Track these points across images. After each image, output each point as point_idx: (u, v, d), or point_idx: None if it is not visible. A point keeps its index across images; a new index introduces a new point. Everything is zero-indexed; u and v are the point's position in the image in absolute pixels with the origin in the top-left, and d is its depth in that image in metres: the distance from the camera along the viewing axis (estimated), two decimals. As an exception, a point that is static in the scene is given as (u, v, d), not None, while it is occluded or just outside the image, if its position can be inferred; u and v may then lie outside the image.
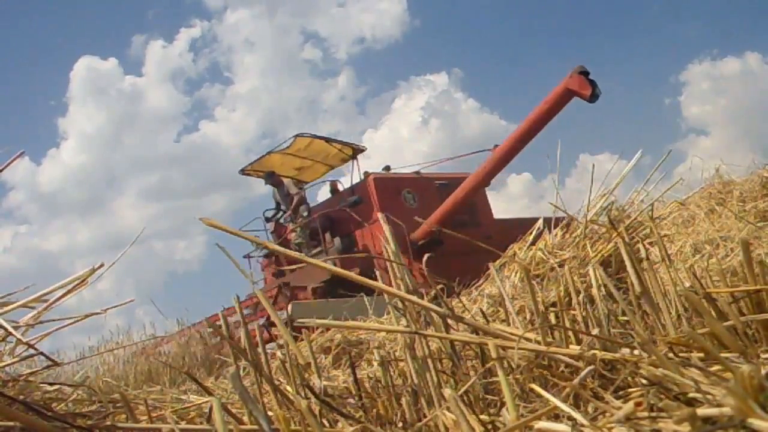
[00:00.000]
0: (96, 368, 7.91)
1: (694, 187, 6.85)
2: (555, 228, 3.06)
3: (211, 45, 35.01)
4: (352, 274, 1.35)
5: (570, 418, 0.97)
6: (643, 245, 2.16)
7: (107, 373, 7.32)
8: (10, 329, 1.41)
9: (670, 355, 1.18)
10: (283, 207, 10.45)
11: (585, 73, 7.45)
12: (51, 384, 1.77)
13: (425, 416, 1.36)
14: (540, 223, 3.15)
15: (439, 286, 1.51)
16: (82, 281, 1.54)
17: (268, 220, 10.46)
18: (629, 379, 1.15)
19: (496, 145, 9.02)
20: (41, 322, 1.58)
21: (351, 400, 1.71)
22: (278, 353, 1.71)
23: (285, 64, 33.24)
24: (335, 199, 10.26)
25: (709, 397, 0.91)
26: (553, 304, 2.05)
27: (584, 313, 1.61)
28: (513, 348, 1.26)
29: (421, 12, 35.32)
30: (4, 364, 1.51)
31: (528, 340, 1.31)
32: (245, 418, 1.29)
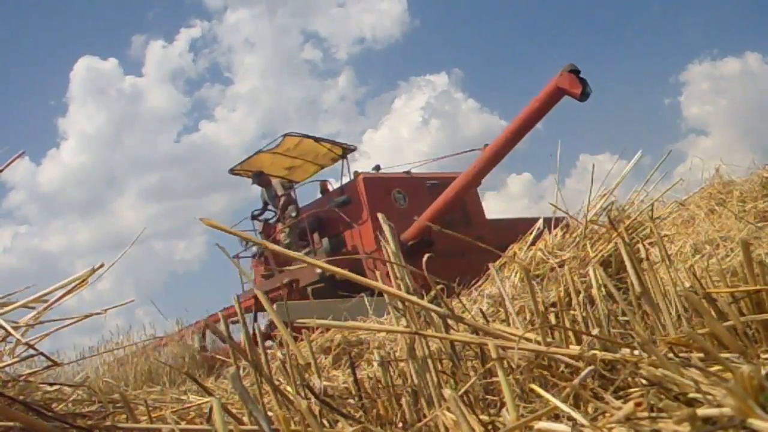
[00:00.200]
0: (96, 368, 7.91)
1: (694, 187, 6.86)
2: (555, 228, 3.06)
3: (211, 45, 35.04)
4: (354, 275, 1.35)
5: (570, 418, 0.97)
6: (643, 245, 2.16)
7: (107, 374, 7.32)
8: (10, 329, 1.41)
9: (670, 355, 1.18)
10: (270, 207, 10.40)
11: (575, 72, 7.32)
12: (51, 384, 1.77)
13: (425, 416, 1.36)
14: (540, 223, 3.15)
15: (439, 287, 1.51)
16: (82, 281, 1.54)
17: (254, 218, 10.40)
18: (629, 379, 1.15)
19: (486, 144, 8.88)
20: (41, 323, 1.58)
21: (351, 401, 1.71)
22: (278, 353, 1.71)
23: (285, 64, 33.26)
24: (325, 199, 10.17)
25: (709, 397, 0.91)
26: (553, 305, 2.05)
27: (584, 314, 1.61)
28: (513, 348, 1.26)
29: (421, 12, 35.35)
30: (4, 364, 1.51)
31: (528, 340, 1.31)
32: (245, 419, 1.29)
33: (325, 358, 3.86)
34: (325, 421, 1.38)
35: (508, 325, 1.67)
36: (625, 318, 1.75)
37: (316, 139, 10.15)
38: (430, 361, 1.42)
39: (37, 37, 32.89)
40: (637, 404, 0.96)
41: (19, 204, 31.20)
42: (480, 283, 3.39)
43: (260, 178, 10.25)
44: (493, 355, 1.20)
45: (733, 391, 0.76)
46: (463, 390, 1.34)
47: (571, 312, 1.77)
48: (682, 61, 36.93)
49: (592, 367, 1.20)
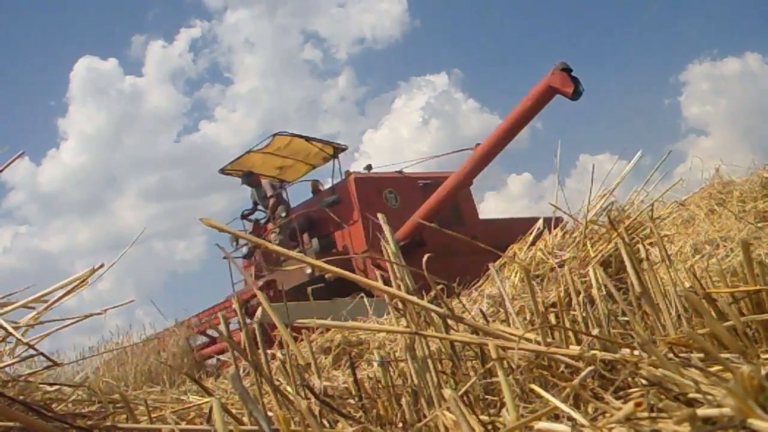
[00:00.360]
0: (96, 369, 7.91)
1: (694, 187, 6.86)
2: (554, 228, 3.06)
3: (211, 45, 35.05)
4: (354, 276, 1.35)
5: (570, 418, 0.97)
6: (643, 245, 2.16)
7: (107, 374, 7.32)
8: (10, 330, 1.41)
9: (670, 355, 1.18)
10: (260, 207, 10.33)
11: (567, 70, 7.26)
12: (51, 384, 1.77)
13: (425, 417, 1.36)
14: (540, 223, 3.15)
15: (439, 287, 1.51)
16: (82, 282, 1.54)
17: (243, 218, 10.35)
18: (629, 379, 1.15)
19: (478, 144, 8.81)
20: (41, 323, 1.58)
21: (351, 401, 1.71)
22: (278, 354, 1.71)
23: (285, 64, 33.26)
24: (316, 199, 10.08)
25: (709, 397, 0.91)
26: (553, 305, 2.05)
27: (584, 314, 1.61)
28: (513, 348, 1.26)
29: (421, 12, 35.35)
30: (4, 364, 1.51)
31: (528, 340, 1.31)
32: (245, 419, 1.29)
33: (325, 359, 3.86)
34: (325, 422, 1.38)
35: (508, 325, 1.67)
36: (625, 318, 1.75)
37: (307, 139, 10.06)
38: (430, 361, 1.42)
39: (37, 37, 32.92)
40: (637, 404, 0.96)
41: (19, 204, 31.23)
42: (480, 283, 3.39)
43: (249, 179, 10.18)
44: (493, 355, 1.20)
45: (733, 391, 0.76)
46: (463, 390, 1.34)
47: (571, 312, 1.77)
48: (682, 61, 36.97)
49: (592, 368, 1.20)
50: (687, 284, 2.03)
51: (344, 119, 34.64)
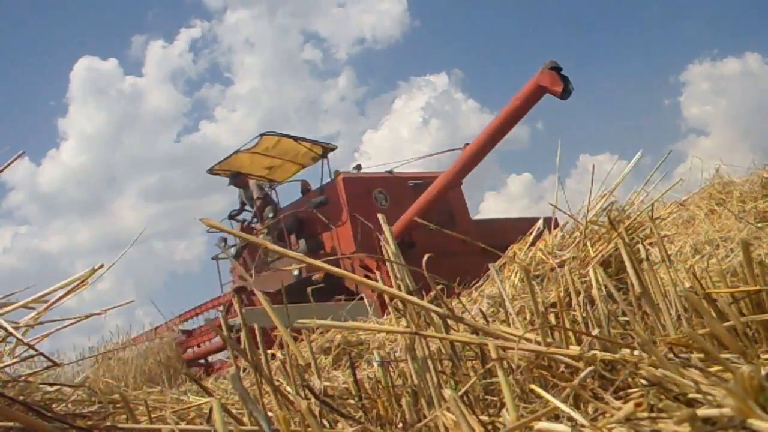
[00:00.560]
0: (96, 369, 7.92)
1: (694, 187, 6.86)
2: (554, 228, 3.06)
3: (211, 45, 35.00)
4: (354, 276, 1.35)
5: (570, 418, 0.97)
6: (643, 246, 2.16)
7: (107, 374, 7.33)
8: (11, 330, 1.41)
9: (670, 355, 1.18)
10: (248, 207, 10.27)
11: (557, 69, 7.07)
12: (51, 385, 1.77)
13: (425, 417, 1.36)
14: (540, 223, 3.16)
15: (439, 287, 1.51)
16: (82, 282, 1.54)
17: (231, 218, 10.30)
18: (629, 379, 1.15)
19: (467, 144, 8.61)
20: (41, 323, 1.58)
21: (351, 401, 1.71)
22: (278, 354, 1.71)
23: (285, 64, 33.22)
24: (305, 199, 9.94)
25: (710, 397, 0.91)
26: (553, 305, 2.05)
27: (584, 314, 1.61)
28: (513, 349, 1.26)
29: (421, 12, 35.29)
30: (4, 364, 1.51)
31: (528, 340, 1.31)
32: (245, 419, 1.29)
33: (325, 359, 3.86)
34: (325, 422, 1.38)
35: (508, 325, 1.67)
36: (625, 318, 1.75)
37: (295, 139, 9.96)
38: (430, 362, 1.42)
39: (37, 37, 32.90)
40: (637, 404, 0.96)
41: (19, 204, 31.20)
42: (479, 283, 3.39)
43: (237, 179, 10.12)
44: (493, 355, 1.20)
45: (733, 391, 0.76)
46: (463, 390, 1.34)
47: (571, 312, 1.77)
48: (682, 61, 36.86)
49: (592, 368, 1.20)
50: (687, 284, 2.03)
51: (344, 119, 34.62)
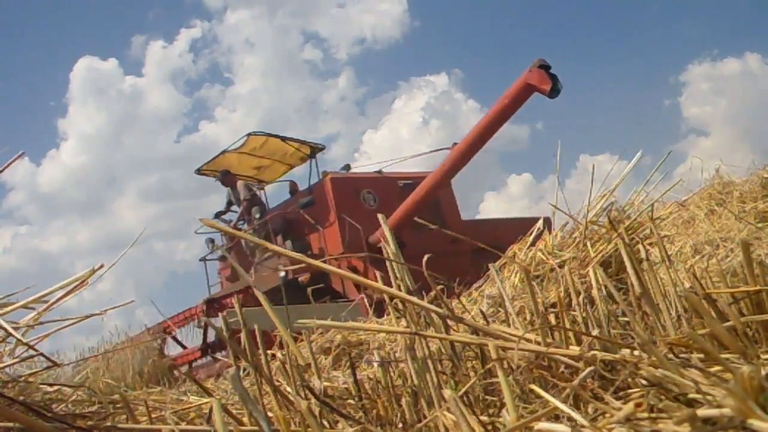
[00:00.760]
0: (96, 369, 7.90)
1: (694, 187, 6.84)
2: (554, 229, 3.07)
3: (212, 45, 34.98)
4: (354, 275, 1.35)
5: (570, 418, 0.97)
6: (643, 246, 2.16)
7: (107, 374, 7.32)
8: (11, 330, 1.41)
9: (670, 355, 1.18)
10: (234, 208, 10.21)
11: (545, 67, 7.07)
12: (51, 385, 1.77)
13: (425, 417, 1.36)
14: (540, 223, 3.16)
15: (439, 287, 1.51)
16: (82, 282, 1.54)
17: (216, 217, 10.19)
18: (629, 379, 1.15)
19: (456, 143, 8.53)
20: (41, 323, 1.58)
21: (351, 401, 1.71)
22: (278, 354, 1.71)
23: (285, 64, 33.20)
24: (293, 200, 9.87)
25: (710, 398, 0.91)
26: (553, 305, 2.05)
27: (584, 314, 1.61)
28: (513, 349, 1.26)
29: (421, 13, 35.27)
30: (4, 365, 1.51)
31: (528, 340, 1.31)
32: (245, 419, 1.29)
33: (325, 359, 3.86)
34: (325, 422, 1.38)
35: (508, 325, 1.67)
36: (625, 318, 1.75)
37: (283, 139, 9.92)
38: (430, 362, 1.42)
39: (37, 37, 32.89)
40: (637, 405, 0.96)
41: (19, 204, 31.18)
42: (480, 283, 3.39)
43: (226, 178, 10.06)
44: (493, 355, 1.20)
45: (733, 391, 0.76)
46: (463, 390, 1.34)
47: (571, 312, 1.77)
48: (682, 61, 36.80)
49: (592, 368, 1.20)
50: (687, 285, 2.03)
51: (344, 119, 34.59)
